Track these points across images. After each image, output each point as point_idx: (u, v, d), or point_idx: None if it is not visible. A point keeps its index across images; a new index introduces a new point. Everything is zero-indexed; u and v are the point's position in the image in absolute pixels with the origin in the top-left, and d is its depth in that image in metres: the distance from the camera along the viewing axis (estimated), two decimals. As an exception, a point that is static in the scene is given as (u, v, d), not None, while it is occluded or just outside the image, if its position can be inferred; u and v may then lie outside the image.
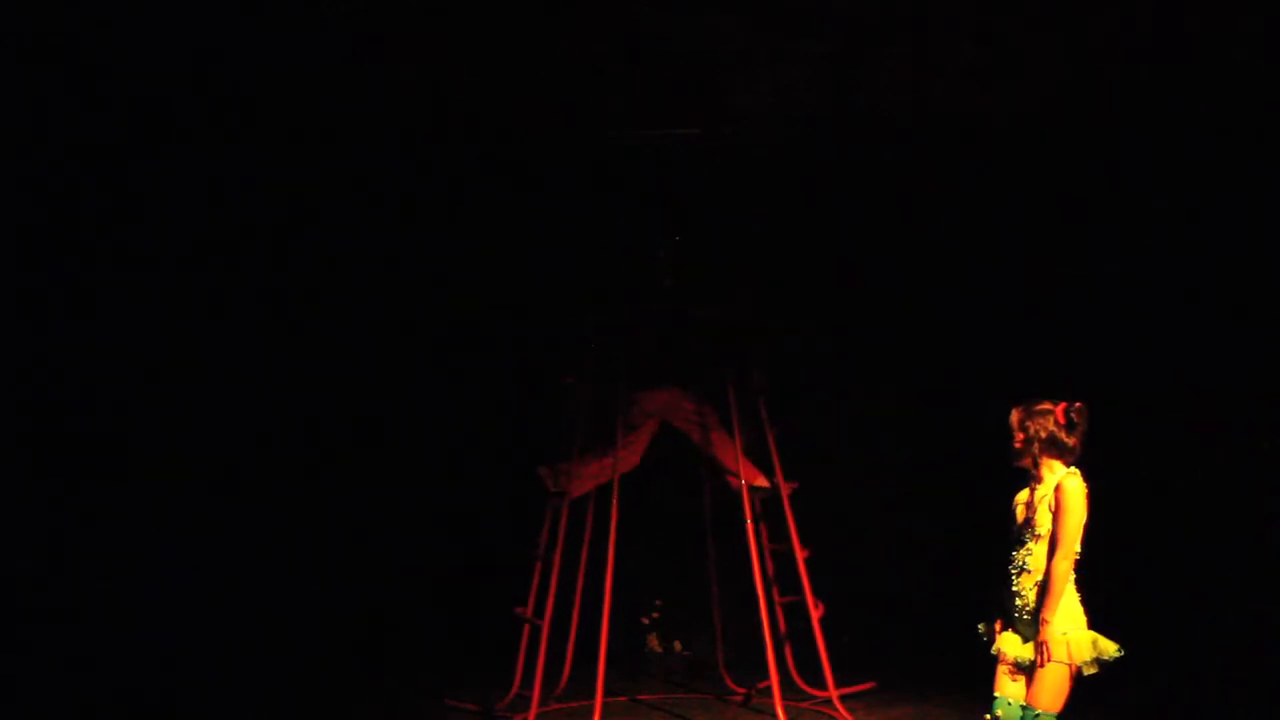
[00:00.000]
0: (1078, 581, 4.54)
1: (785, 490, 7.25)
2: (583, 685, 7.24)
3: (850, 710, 6.99)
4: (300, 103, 7.64)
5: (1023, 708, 4.56)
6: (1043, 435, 4.57)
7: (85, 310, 7.39)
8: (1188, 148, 7.45)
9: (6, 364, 7.04)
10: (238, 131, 7.59)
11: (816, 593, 7.19)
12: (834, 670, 7.11)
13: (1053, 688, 4.47)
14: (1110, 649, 4.50)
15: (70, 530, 7.39)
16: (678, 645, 8.89)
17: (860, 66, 7.33)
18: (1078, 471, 4.56)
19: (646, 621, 8.88)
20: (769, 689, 6.84)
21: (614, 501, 6.94)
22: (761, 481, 7.27)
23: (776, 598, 7.34)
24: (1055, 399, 4.62)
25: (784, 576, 7.35)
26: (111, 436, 7.53)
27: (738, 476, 7.18)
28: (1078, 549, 4.50)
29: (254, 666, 7.94)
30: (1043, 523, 4.53)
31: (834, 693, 7.04)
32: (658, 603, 8.88)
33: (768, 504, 7.37)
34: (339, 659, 8.43)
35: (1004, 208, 8.62)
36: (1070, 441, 4.56)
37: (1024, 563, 4.59)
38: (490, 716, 7.18)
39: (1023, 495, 4.68)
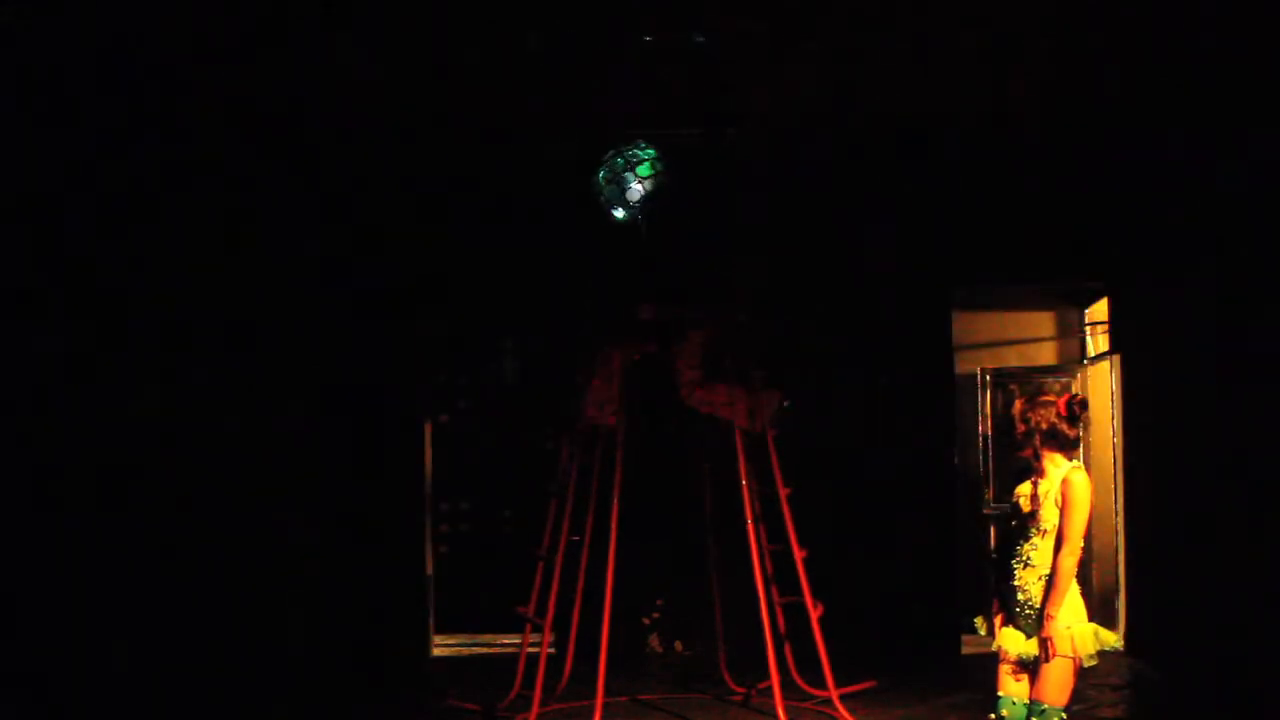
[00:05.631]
0: (1078, 575, 4.55)
1: (784, 492, 7.25)
2: (583, 685, 7.24)
3: (850, 710, 6.98)
4: (297, 101, 7.65)
5: (1029, 704, 4.57)
6: (1044, 427, 4.57)
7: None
8: (1186, 146, 7.47)
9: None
10: (237, 124, 7.61)
11: (816, 593, 7.19)
12: (834, 670, 7.10)
13: (1058, 682, 4.49)
14: (1110, 639, 4.53)
15: (63, 535, 7.36)
16: (678, 645, 8.90)
17: (860, 66, 7.36)
18: (1082, 466, 4.57)
19: (647, 622, 8.88)
20: (769, 689, 6.84)
21: (614, 501, 6.94)
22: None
23: (776, 598, 7.33)
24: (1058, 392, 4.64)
25: (784, 576, 7.35)
26: (100, 442, 7.47)
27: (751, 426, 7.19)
28: (1082, 544, 4.51)
29: (255, 667, 7.94)
30: (1048, 518, 4.53)
31: (834, 693, 7.04)
32: (658, 602, 8.89)
33: (767, 504, 7.37)
34: (339, 659, 8.42)
35: (1003, 206, 8.65)
36: (1072, 434, 4.57)
37: (1028, 557, 4.59)
38: (490, 716, 7.17)
39: (1025, 488, 4.68)
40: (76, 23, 6.33)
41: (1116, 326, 8.97)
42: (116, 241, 7.38)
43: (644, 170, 7.04)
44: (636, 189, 7.02)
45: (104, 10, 6.33)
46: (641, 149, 7.07)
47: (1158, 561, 8.13)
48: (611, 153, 7.08)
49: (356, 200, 8.70)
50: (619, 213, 7.08)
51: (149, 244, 7.65)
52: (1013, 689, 4.66)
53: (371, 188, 8.69)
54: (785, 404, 7.32)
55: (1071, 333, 9.97)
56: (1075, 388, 9.14)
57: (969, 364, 9.59)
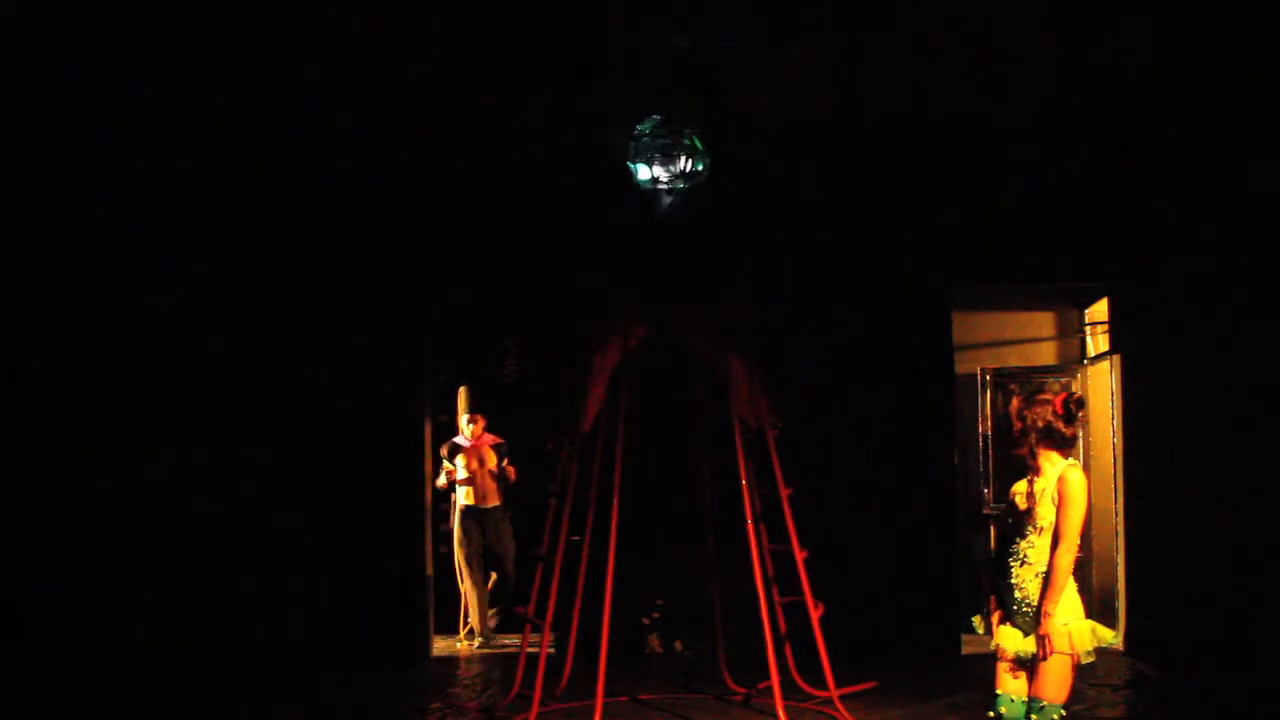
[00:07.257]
0: (1075, 573, 4.55)
1: (785, 492, 7.25)
2: (583, 685, 7.24)
3: (850, 710, 6.99)
4: (296, 98, 7.66)
5: (1027, 701, 4.57)
6: (1039, 425, 4.58)
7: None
8: (1186, 146, 7.47)
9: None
10: (235, 120, 7.62)
11: (816, 593, 7.19)
12: (834, 670, 7.10)
13: (1057, 679, 4.49)
14: (1108, 636, 4.53)
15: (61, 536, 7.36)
16: (678, 645, 8.90)
17: (860, 67, 7.36)
18: (1079, 463, 4.58)
19: (647, 622, 8.89)
20: (769, 689, 6.84)
21: (614, 501, 6.94)
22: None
23: (776, 598, 7.33)
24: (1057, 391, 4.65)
25: (784, 576, 7.35)
26: (98, 442, 7.45)
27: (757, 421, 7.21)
28: (1079, 541, 4.51)
29: (254, 666, 7.94)
30: (1045, 515, 4.53)
31: (834, 693, 7.04)
32: (658, 602, 8.89)
33: (768, 504, 7.37)
34: (340, 659, 8.42)
35: (1003, 206, 8.64)
36: (1068, 432, 4.58)
37: (1025, 555, 4.59)
38: (491, 716, 7.17)
39: (1021, 486, 4.68)
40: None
41: (1116, 326, 8.97)
42: (116, 238, 7.39)
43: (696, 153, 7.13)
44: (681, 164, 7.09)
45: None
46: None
47: (1158, 561, 8.13)
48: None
49: (357, 199, 8.71)
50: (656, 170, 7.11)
51: (150, 241, 7.66)
52: (1011, 687, 4.66)
53: (372, 186, 8.70)
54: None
55: (1071, 333, 9.97)
56: (1075, 388, 9.14)
57: (969, 364, 9.60)
